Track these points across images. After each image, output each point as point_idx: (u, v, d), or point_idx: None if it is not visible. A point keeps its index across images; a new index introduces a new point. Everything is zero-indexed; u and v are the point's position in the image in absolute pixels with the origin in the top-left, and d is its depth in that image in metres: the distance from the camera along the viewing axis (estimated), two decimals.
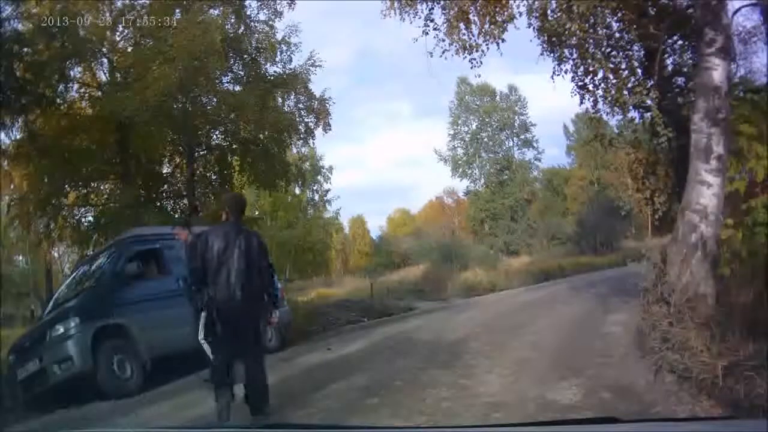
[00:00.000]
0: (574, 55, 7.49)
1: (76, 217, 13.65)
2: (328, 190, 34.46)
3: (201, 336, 5.29)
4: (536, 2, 7.28)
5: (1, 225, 15.39)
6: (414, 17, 7.84)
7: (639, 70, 7.36)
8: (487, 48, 7.73)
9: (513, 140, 40.06)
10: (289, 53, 13.79)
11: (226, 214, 5.21)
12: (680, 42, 8.03)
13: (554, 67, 7.71)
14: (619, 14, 7.05)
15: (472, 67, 7.87)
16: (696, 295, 6.02)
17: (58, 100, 12.21)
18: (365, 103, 66.57)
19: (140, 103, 10.73)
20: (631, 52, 7.61)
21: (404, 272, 24.90)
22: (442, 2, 7.83)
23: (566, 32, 6.72)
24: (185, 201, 13.96)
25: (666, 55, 7.70)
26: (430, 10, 7.81)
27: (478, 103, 39.79)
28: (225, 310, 4.85)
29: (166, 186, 14.45)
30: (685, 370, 4.73)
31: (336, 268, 38.62)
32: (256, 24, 13.56)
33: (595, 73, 7.31)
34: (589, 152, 35.01)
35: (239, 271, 4.84)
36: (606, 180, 35.49)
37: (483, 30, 7.65)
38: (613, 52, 7.45)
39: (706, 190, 6.31)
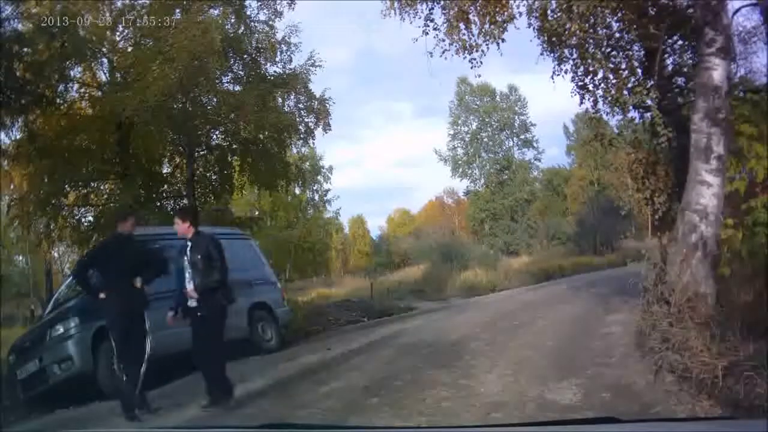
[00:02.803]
0: (574, 55, 7.49)
1: (76, 217, 13.63)
2: (328, 190, 34.54)
3: None
4: (536, 2, 7.27)
5: (1, 225, 15.38)
6: (414, 17, 7.84)
7: (639, 70, 7.36)
8: (487, 48, 7.72)
9: (513, 140, 40.13)
10: (289, 53, 13.76)
11: (191, 224, 5.96)
12: (680, 42, 8.01)
13: (554, 67, 7.73)
14: (619, 14, 7.03)
15: (472, 67, 7.88)
16: (696, 295, 6.02)
17: (58, 100, 12.18)
18: (365, 103, 66.75)
19: (140, 103, 10.71)
20: (631, 52, 7.61)
21: (404, 272, 24.94)
22: (442, 2, 7.82)
23: (566, 32, 6.72)
24: (185, 201, 13.94)
25: (666, 55, 7.69)
26: (430, 10, 7.81)
27: (478, 103, 39.82)
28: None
29: (166, 186, 14.42)
30: (685, 370, 4.72)
31: (336, 268, 38.69)
32: (256, 24, 13.54)
33: (595, 73, 7.31)
34: (589, 152, 34.92)
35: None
36: (606, 180, 35.40)
37: (483, 30, 7.64)
38: (613, 52, 7.45)
39: (706, 190, 6.31)
